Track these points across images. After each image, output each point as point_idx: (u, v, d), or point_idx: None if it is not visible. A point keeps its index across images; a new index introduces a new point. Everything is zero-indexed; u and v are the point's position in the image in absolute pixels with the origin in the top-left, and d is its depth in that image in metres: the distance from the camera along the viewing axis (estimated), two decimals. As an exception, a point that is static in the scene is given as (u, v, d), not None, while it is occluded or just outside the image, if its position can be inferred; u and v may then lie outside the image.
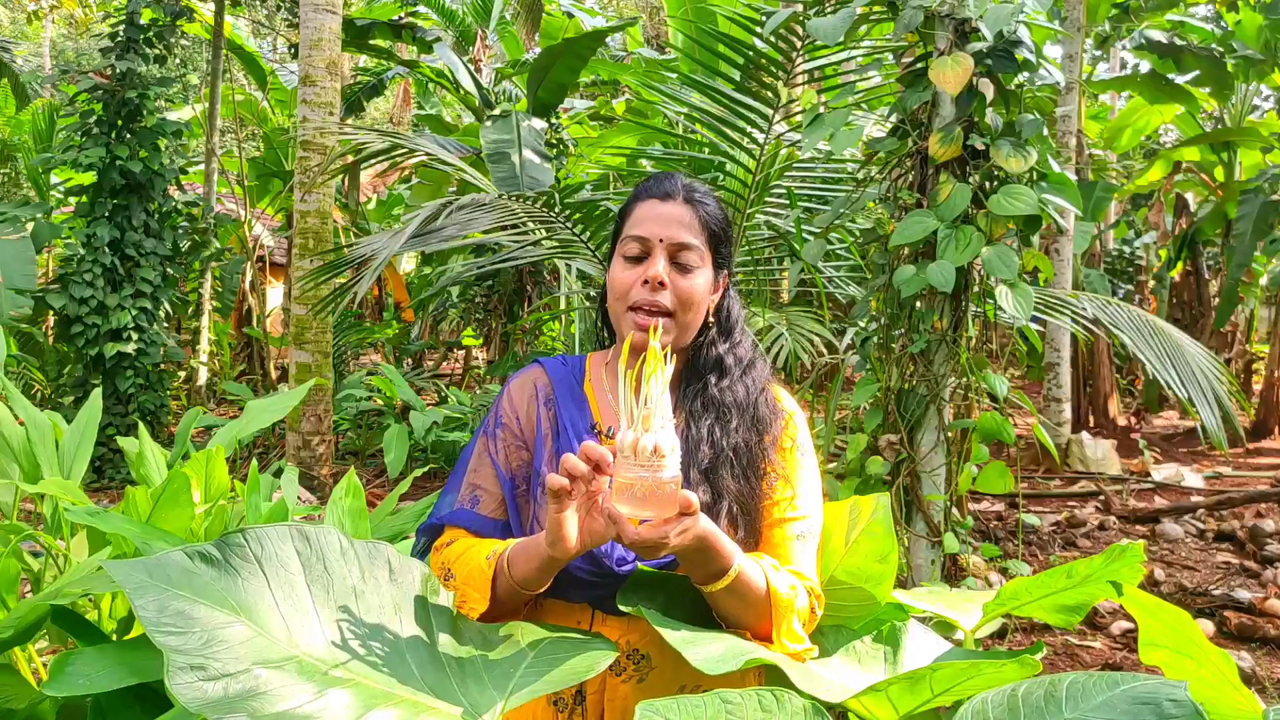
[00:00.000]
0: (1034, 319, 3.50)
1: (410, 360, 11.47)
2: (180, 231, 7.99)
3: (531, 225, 4.48)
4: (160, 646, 0.94)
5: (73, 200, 7.72)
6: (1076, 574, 1.36)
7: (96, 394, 3.01)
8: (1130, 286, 11.76)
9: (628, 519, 1.10)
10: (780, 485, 1.36)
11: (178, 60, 14.71)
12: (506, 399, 1.44)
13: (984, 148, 3.19)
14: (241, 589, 1.05)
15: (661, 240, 1.34)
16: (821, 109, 3.60)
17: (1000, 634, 3.99)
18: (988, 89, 3.25)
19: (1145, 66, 10.95)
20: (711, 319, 1.41)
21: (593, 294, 5.11)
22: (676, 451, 1.12)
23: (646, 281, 1.33)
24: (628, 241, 1.36)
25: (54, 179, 10.39)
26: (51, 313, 7.81)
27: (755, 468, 1.35)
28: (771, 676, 1.31)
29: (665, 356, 1.13)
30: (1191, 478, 7.31)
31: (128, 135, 7.25)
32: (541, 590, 1.25)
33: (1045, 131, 3.21)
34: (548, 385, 1.43)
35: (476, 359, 11.48)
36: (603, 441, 1.19)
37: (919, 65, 3.38)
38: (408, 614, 1.15)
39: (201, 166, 10.14)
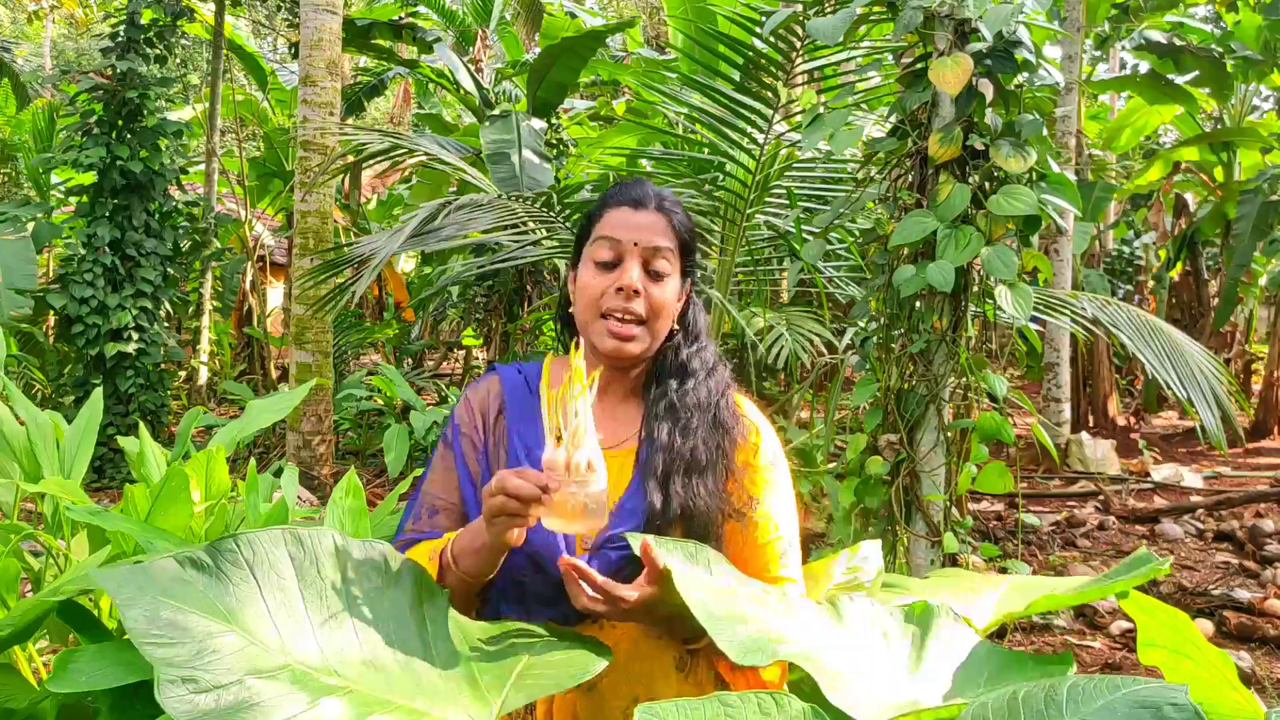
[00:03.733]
0: (1033, 319, 3.50)
1: (410, 360, 11.47)
2: (181, 231, 7.98)
3: (531, 225, 4.48)
4: (150, 659, 0.93)
5: (73, 200, 7.72)
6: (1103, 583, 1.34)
7: (97, 394, 3.01)
8: (1129, 286, 11.77)
9: (580, 590, 1.18)
10: (760, 512, 1.37)
11: (178, 60, 14.70)
12: (464, 407, 1.43)
13: (984, 148, 3.19)
14: (233, 596, 1.03)
15: (636, 245, 1.34)
16: (821, 109, 3.60)
17: (999, 634, 3.99)
18: (987, 89, 3.25)
19: (1145, 67, 10.95)
20: (676, 326, 1.40)
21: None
22: (603, 465, 1.16)
23: (621, 289, 1.32)
24: (599, 246, 1.35)
25: (54, 179, 10.39)
26: (52, 313, 7.81)
27: (712, 468, 1.34)
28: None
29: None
30: (1191, 478, 7.31)
31: (128, 135, 7.25)
32: (489, 577, 1.27)
33: (1045, 132, 3.21)
34: (500, 395, 1.42)
35: (476, 359, 11.47)
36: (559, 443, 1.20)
37: (919, 65, 3.38)
38: (403, 617, 1.14)
39: (202, 166, 10.14)
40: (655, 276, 1.34)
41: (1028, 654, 1.21)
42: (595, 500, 1.14)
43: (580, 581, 1.18)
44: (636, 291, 1.32)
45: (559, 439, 1.16)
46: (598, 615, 1.21)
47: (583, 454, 1.14)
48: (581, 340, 1.26)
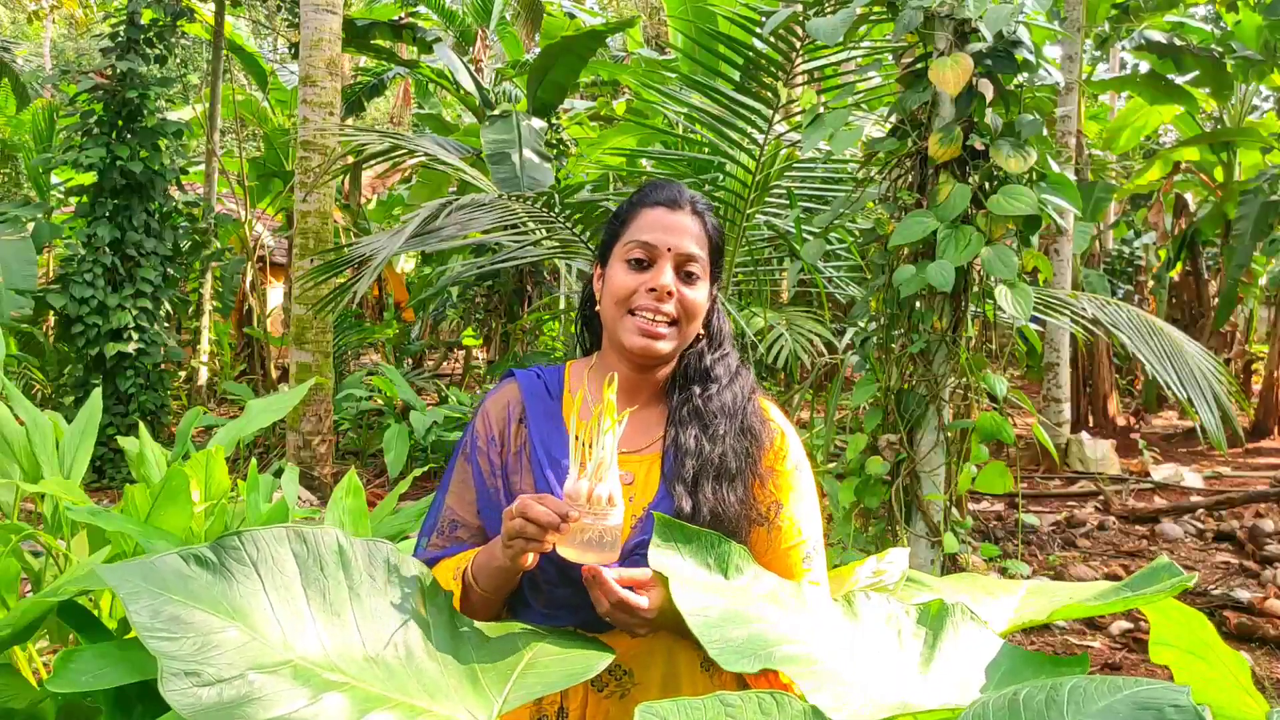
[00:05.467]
0: (1033, 319, 3.50)
1: (410, 360, 11.47)
2: (181, 231, 7.98)
3: (531, 225, 4.48)
4: (154, 652, 0.94)
5: (73, 200, 7.72)
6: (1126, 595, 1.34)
7: (97, 394, 3.01)
8: (1129, 286, 11.76)
9: (601, 596, 1.19)
10: (785, 516, 1.36)
11: (178, 60, 14.70)
12: (481, 419, 1.41)
13: (984, 148, 3.19)
14: (237, 592, 1.04)
15: (670, 249, 1.33)
16: (821, 109, 3.60)
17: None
18: (987, 89, 3.25)
19: (1145, 67, 10.96)
20: (701, 330, 1.40)
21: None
22: (621, 500, 1.19)
23: (653, 289, 1.31)
24: (633, 247, 1.34)
25: (54, 179, 10.39)
26: (52, 313, 7.80)
27: (742, 476, 1.34)
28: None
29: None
30: (1191, 478, 7.31)
31: (128, 135, 7.25)
32: (511, 589, 1.29)
33: (1045, 132, 3.21)
34: (520, 401, 1.41)
35: (476, 359, 11.48)
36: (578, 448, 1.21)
37: (919, 65, 3.38)
38: (405, 615, 1.15)
39: (202, 166, 10.14)
40: (687, 279, 1.34)
41: (1042, 655, 1.20)
42: (611, 534, 1.17)
43: (601, 589, 1.19)
44: (670, 293, 1.31)
45: (582, 469, 1.19)
46: (619, 626, 1.22)
47: (604, 488, 1.17)
48: (616, 376, 1.25)
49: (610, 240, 1.40)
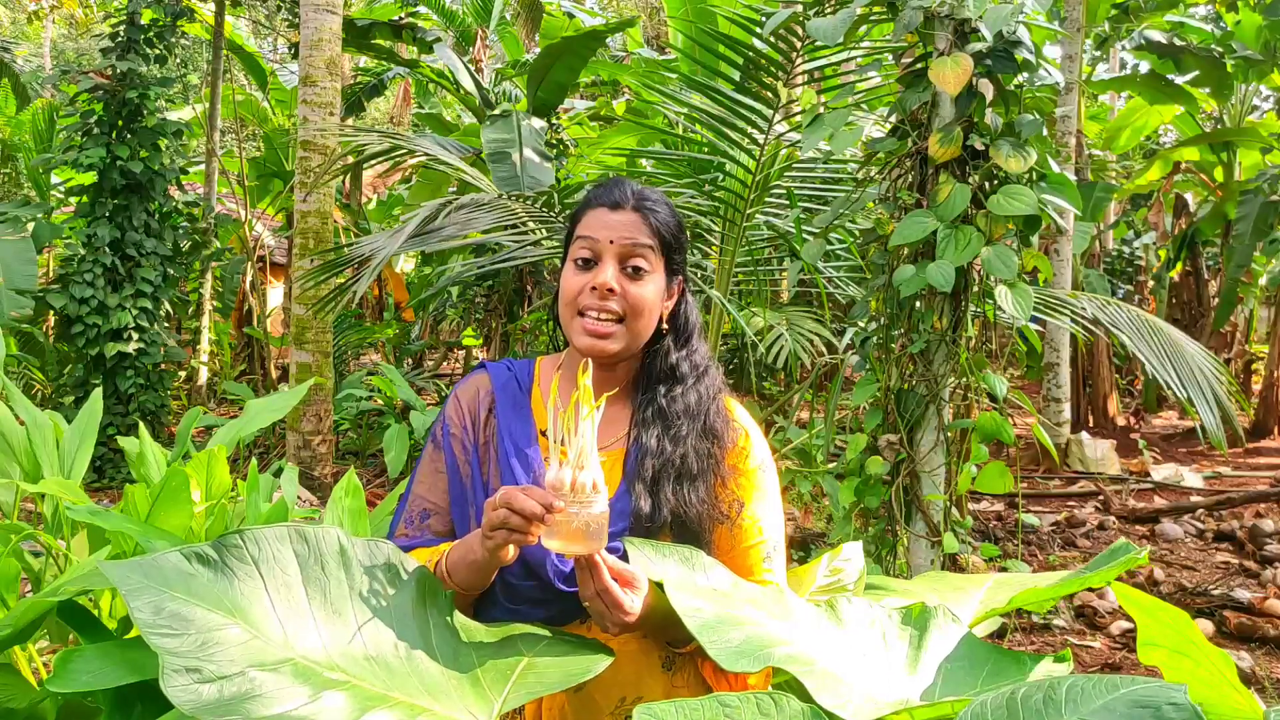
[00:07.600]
0: (1033, 319, 3.50)
1: (410, 360, 11.47)
2: (181, 231, 7.98)
3: (531, 225, 4.48)
4: (155, 648, 0.94)
5: (73, 200, 7.72)
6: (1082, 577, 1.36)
7: (97, 394, 3.01)
8: (1129, 286, 11.76)
9: (587, 580, 1.17)
10: (746, 515, 1.37)
11: (178, 60, 14.70)
12: (453, 406, 1.42)
13: (984, 148, 3.19)
14: (238, 590, 1.05)
15: (612, 242, 1.33)
16: (821, 109, 3.60)
17: (1000, 634, 3.99)
18: (987, 89, 3.25)
19: (1145, 67, 10.96)
20: (665, 326, 1.39)
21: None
22: (605, 487, 1.17)
23: (595, 287, 1.31)
24: (578, 245, 1.35)
25: (54, 179, 10.39)
26: (52, 313, 7.80)
27: (704, 476, 1.34)
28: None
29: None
30: (1191, 478, 7.31)
31: (128, 135, 7.25)
32: (485, 586, 1.28)
33: (1045, 132, 3.21)
34: (490, 392, 1.42)
35: (476, 359, 11.47)
36: (543, 444, 1.20)
37: (919, 65, 3.38)
38: (405, 614, 1.15)
39: (202, 166, 10.14)
40: (634, 274, 1.33)
41: (1025, 653, 1.21)
42: (597, 522, 1.15)
43: (592, 572, 1.17)
44: (611, 290, 1.31)
45: (563, 459, 1.16)
46: (595, 616, 1.20)
47: (587, 475, 1.15)
48: (590, 362, 1.24)
49: (565, 243, 1.41)
